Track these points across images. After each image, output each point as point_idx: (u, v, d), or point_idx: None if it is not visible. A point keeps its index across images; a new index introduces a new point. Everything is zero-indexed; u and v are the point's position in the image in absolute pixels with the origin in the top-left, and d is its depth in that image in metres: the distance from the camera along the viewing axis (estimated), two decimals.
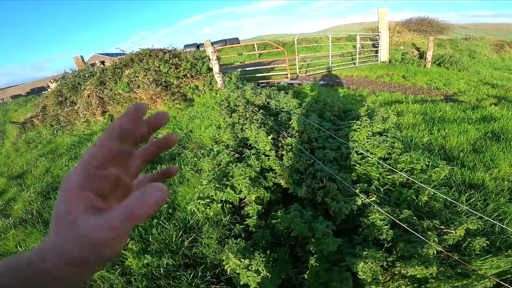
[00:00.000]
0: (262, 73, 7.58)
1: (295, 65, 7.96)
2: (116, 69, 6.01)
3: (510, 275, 1.49)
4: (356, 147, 2.32)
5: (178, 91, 5.66)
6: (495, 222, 1.80)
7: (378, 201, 1.86)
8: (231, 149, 2.73)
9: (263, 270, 1.54)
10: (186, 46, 17.70)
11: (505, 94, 4.87)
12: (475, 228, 1.65)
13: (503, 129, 3.00)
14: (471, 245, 1.60)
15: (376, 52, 10.17)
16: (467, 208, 1.87)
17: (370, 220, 1.70)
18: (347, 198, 1.86)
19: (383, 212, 1.65)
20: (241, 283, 1.56)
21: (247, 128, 3.02)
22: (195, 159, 2.92)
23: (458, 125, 3.08)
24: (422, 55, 10.06)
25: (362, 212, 1.83)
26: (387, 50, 9.91)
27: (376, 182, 2.02)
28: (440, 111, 3.59)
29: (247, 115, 3.55)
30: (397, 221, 1.62)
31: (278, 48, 8.11)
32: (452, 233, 1.64)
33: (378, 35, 10.01)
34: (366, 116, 3.02)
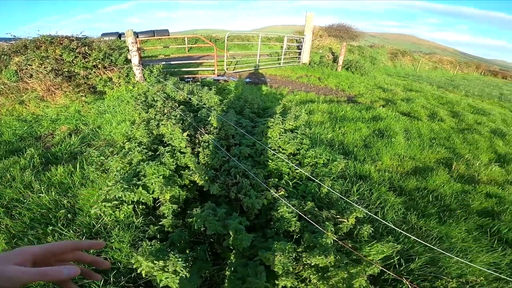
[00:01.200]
0: (189, 67, 7.44)
1: (224, 61, 8.05)
2: (3, 56, 5.02)
3: (392, 260, 1.76)
4: (269, 143, 2.52)
5: (85, 83, 5.05)
6: (377, 210, 2.24)
7: (287, 195, 2.07)
8: (144, 147, 2.61)
9: (181, 270, 1.54)
10: (104, 34, 15.81)
11: (392, 97, 5.94)
12: (362, 216, 2.00)
13: (387, 127, 3.70)
14: (361, 232, 1.89)
15: (300, 54, 10.91)
16: (356, 198, 2.27)
17: (280, 213, 1.88)
18: (259, 193, 2.02)
19: (289, 205, 1.85)
20: (161, 285, 1.53)
21: (163, 125, 2.93)
22: (102, 158, 2.68)
23: (354, 123, 3.66)
24: (335, 59, 11.33)
25: (273, 206, 2.00)
26: (308, 53, 10.79)
27: (286, 176, 2.25)
28: (342, 111, 4.18)
29: (165, 111, 3.42)
30: (301, 213, 1.84)
31: (208, 43, 8.12)
32: (345, 221, 1.95)
33: (303, 38, 10.70)
34: (281, 114, 3.28)
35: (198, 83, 5.60)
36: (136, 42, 5.14)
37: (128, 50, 5.35)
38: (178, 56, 8.51)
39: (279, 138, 2.64)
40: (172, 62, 7.23)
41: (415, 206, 2.56)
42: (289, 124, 2.93)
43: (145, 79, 5.29)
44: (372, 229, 1.92)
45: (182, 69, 7.11)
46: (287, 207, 1.89)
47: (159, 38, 12.01)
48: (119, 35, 15.61)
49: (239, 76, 7.63)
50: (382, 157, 3.03)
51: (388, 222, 2.24)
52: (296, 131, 2.85)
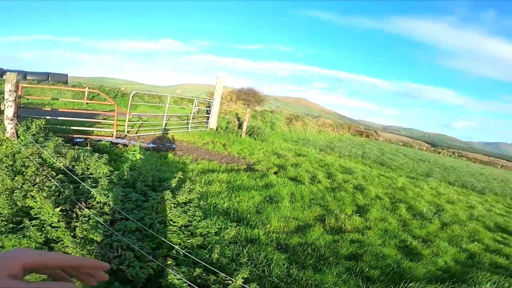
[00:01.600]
0: (83, 125, 6.39)
1: (125, 122, 7.06)
2: None
3: None
4: (160, 217, 2.77)
5: None
6: (265, 267, 2.67)
7: (175, 264, 2.30)
8: (3, 219, 2.44)
9: None
10: None
11: (284, 163, 7.07)
12: (247, 276, 2.38)
13: (276, 193, 4.46)
14: None
15: (208, 118, 11.13)
16: (246, 259, 2.67)
17: (169, 280, 2.10)
18: (145, 264, 2.18)
19: (176, 274, 2.10)
20: None
21: (32, 196, 2.73)
22: None
23: (248, 192, 4.27)
24: (240, 125, 12.38)
25: (162, 274, 2.18)
26: (216, 118, 11.17)
27: (177, 246, 2.49)
28: (239, 180, 4.79)
29: (38, 180, 3.13)
30: (189, 280, 2.10)
31: (109, 101, 7.17)
32: (232, 282, 2.28)
33: (211, 102, 10.99)
34: (177, 186, 3.58)
35: (88, 147, 4.93)
36: (16, 90, 4.41)
37: (3, 98, 4.49)
38: (73, 110, 7.43)
39: (170, 212, 2.87)
40: (60, 118, 6.28)
41: (297, 260, 3.10)
42: (182, 198, 3.18)
43: (18, 137, 4.45)
44: (258, 286, 2.31)
45: (73, 127, 6.16)
46: (174, 275, 2.11)
47: (54, 84, 10.60)
48: (2, 73, 13.22)
49: (143, 140, 7.41)
50: (270, 220, 3.62)
51: (273, 278, 2.69)
52: (189, 204, 3.17)
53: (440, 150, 46.46)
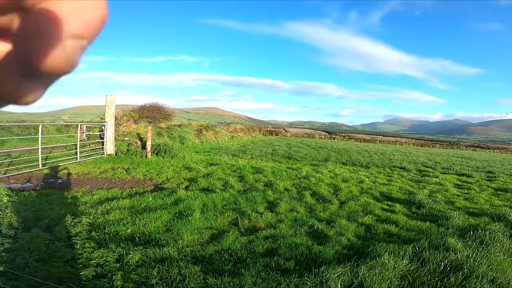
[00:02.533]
0: None
1: None
2: None
3: None
4: (35, 255, 2.44)
5: None
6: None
7: None
8: None
9: None
10: None
11: (196, 176, 7.04)
12: None
13: (186, 207, 4.41)
14: None
15: (103, 144, 10.24)
16: (157, 280, 2.57)
17: None
18: None
19: None
20: None
21: None
22: None
23: (155, 212, 4.11)
24: (144, 145, 11.75)
25: None
26: (113, 142, 10.37)
27: (66, 280, 2.23)
28: (144, 202, 4.55)
29: None
30: None
31: None
32: None
33: (104, 125, 10.14)
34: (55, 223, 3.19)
35: None
36: None
37: None
38: None
39: (48, 249, 2.59)
40: None
41: (214, 268, 3.15)
42: (63, 233, 2.91)
43: None
44: None
45: None
46: None
47: None
48: None
49: (15, 180, 6.32)
50: (182, 235, 3.56)
51: None
52: (75, 237, 2.88)
53: (334, 136, 54.30)
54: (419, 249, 3.44)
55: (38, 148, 7.30)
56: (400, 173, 10.58)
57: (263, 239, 3.98)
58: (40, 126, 7.77)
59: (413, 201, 6.10)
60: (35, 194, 5.00)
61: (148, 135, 10.71)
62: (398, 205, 5.86)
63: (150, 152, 10.58)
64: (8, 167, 7.28)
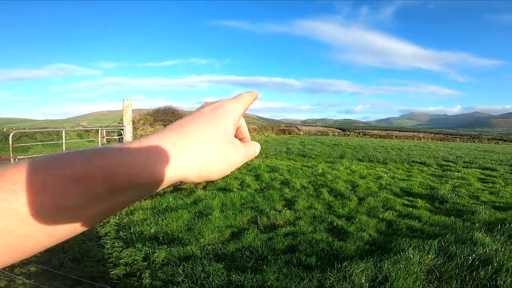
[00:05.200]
0: None
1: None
2: None
3: None
4: (69, 255, 2.56)
5: None
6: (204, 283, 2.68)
7: None
8: None
9: None
10: None
11: None
12: None
13: (206, 206, 4.50)
14: None
15: None
16: (183, 277, 2.64)
17: None
18: None
19: None
20: None
21: None
22: None
23: (176, 212, 4.21)
24: None
25: None
26: None
27: (101, 279, 2.33)
28: (165, 203, 4.67)
29: None
30: None
31: None
32: None
33: (122, 129, 10.35)
34: None
35: None
36: None
37: None
38: None
39: (81, 249, 2.71)
40: None
41: (236, 266, 3.20)
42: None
43: None
44: None
45: None
46: None
47: None
48: None
49: None
50: (204, 234, 3.64)
51: None
52: (104, 237, 3.00)
53: (348, 133, 53.43)
54: (445, 244, 3.37)
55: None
56: (420, 168, 10.33)
57: (283, 236, 4.00)
58: (63, 132, 8.10)
59: (435, 196, 5.96)
60: None
61: None
62: (419, 200, 5.74)
63: None
64: None
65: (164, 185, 0.27)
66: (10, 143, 6.33)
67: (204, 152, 0.28)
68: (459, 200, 5.69)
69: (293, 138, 31.67)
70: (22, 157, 8.14)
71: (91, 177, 0.22)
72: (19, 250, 0.22)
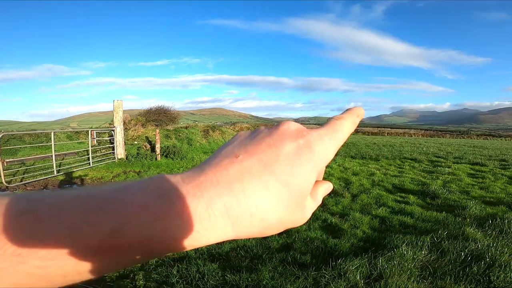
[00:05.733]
0: None
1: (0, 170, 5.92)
2: None
3: None
4: None
5: None
6: None
7: None
8: None
9: None
10: None
11: None
12: None
13: None
14: None
15: (113, 148, 10.39)
16: (177, 278, 2.60)
17: None
18: None
19: None
20: None
21: None
22: None
23: None
24: (153, 148, 11.89)
25: None
26: (123, 146, 10.52)
27: (94, 282, 2.29)
28: None
29: None
30: None
31: None
32: None
33: (113, 130, 10.27)
34: None
35: None
36: None
37: None
38: None
39: None
40: None
41: (231, 265, 3.18)
42: None
43: None
44: None
45: None
46: None
47: None
48: None
49: (32, 187, 6.47)
50: None
51: None
52: None
53: None
54: (437, 240, 3.41)
55: (51, 156, 7.42)
56: (411, 164, 10.45)
57: (277, 235, 3.98)
58: (52, 134, 7.91)
59: (427, 192, 6.03)
60: None
61: (156, 138, 10.80)
62: (411, 196, 5.80)
63: (159, 155, 10.67)
64: (23, 174, 7.45)
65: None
66: None
67: (265, 220, 0.21)
68: (450, 195, 5.76)
69: None
70: (10, 159, 7.95)
71: (117, 251, 0.19)
72: None
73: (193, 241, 0.20)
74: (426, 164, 10.44)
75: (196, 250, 3.25)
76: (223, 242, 3.28)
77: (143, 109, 23.00)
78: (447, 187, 6.47)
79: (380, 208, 5.08)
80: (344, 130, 0.27)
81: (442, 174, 8.26)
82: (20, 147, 11.78)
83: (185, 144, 16.41)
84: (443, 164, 10.32)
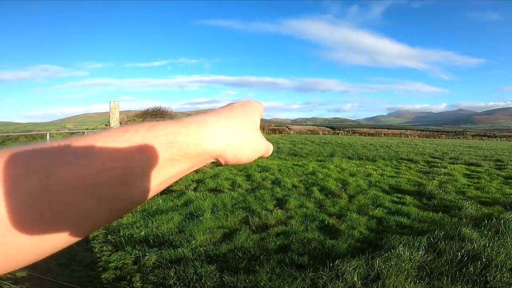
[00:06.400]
0: None
1: None
2: None
3: None
4: (54, 261, 2.49)
5: None
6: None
7: None
8: None
9: None
10: None
11: (203, 177, 7.05)
12: None
13: (196, 208, 4.43)
14: None
15: None
16: (175, 280, 2.58)
17: None
18: None
19: None
20: None
21: None
22: None
23: (166, 214, 4.13)
24: None
25: None
26: None
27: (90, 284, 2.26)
28: (155, 205, 4.57)
29: None
30: None
31: None
32: None
33: None
34: None
35: None
36: None
37: None
38: None
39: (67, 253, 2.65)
40: None
41: (229, 267, 3.16)
42: None
43: None
44: None
45: None
46: None
47: None
48: None
49: None
50: (195, 236, 3.58)
51: None
52: (92, 242, 2.93)
53: (338, 131, 54.00)
54: (434, 240, 3.42)
55: None
56: (408, 165, 10.50)
57: (275, 236, 3.98)
58: (47, 135, 7.86)
59: (423, 192, 6.06)
60: None
61: None
62: (408, 197, 5.82)
63: None
64: None
65: (207, 159, 0.30)
66: None
67: (239, 134, 0.31)
68: (446, 196, 5.79)
69: (283, 137, 31.72)
70: None
71: (153, 145, 0.24)
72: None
73: (201, 140, 0.28)
74: (422, 165, 10.50)
75: (193, 252, 3.24)
76: (220, 243, 3.25)
77: (140, 110, 22.95)
78: (443, 188, 6.50)
79: (377, 209, 5.08)
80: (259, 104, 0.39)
81: (438, 175, 8.30)
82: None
83: None
84: (439, 164, 10.38)
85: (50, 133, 8.27)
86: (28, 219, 0.19)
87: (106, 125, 13.90)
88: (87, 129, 13.78)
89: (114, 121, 10.40)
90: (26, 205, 0.19)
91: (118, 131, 0.24)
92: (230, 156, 0.31)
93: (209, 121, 0.30)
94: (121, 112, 11.27)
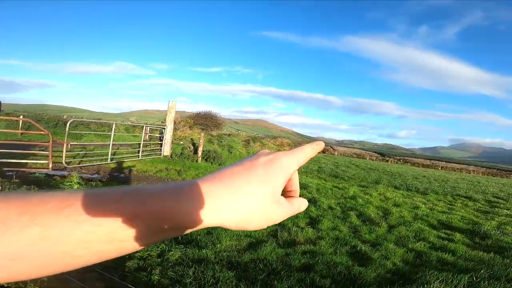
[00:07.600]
0: (15, 158, 5.93)
1: (63, 152, 6.65)
2: None
3: None
4: None
5: None
6: None
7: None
8: None
9: None
10: None
11: None
12: None
13: None
14: None
15: (161, 145, 11.00)
16: (191, 279, 2.63)
17: None
18: None
19: None
20: None
21: None
22: None
23: None
24: (196, 150, 12.42)
25: None
26: (170, 145, 11.10)
27: (114, 270, 2.40)
28: None
29: None
30: None
31: (42, 131, 6.53)
32: None
33: (164, 128, 10.90)
34: None
35: (15, 180, 4.59)
36: None
37: None
38: (5, 141, 6.87)
39: None
40: None
41: (247, 276, 3.12)
42: None
43: None
44: None
45: (2, 160, 5.70)
46: None
47: None
48: None
49: (86, 170, 7.15)
50: (221, 240, 3.62)
51: None
52: None
53: (387, 159, 50.38)
54: (476, 279, 3.00)
55: (109, 144, 8.19)
56: (465, 202, 9.36)
57: (300, 254, 3.84)
58: (114, 125, 8.80)
59: (477, 231, 5.38)
60: (101, 184, 5.60)
61: (200, 141, 11.25)
62: (458, 234, 5.19)
63: (200, 157, 11.08)
64: (82, 158, 8.34)
65: (200, 228, 0.29)
66: (67, 129, 6.87)
67: (248, 208, 0.29)
68: (504, 237, 5.10)
69: (326, 157, 30.76)
70: (75, 143, 8.91)
71: (143, 218, 0.26)
72: (67, 265, 0.26)
73: (196, 217, 0.27)
74: (482, 204, 9.27)
75: (216, 255, 3.27)
76: (244, 251, 3.24)
77: (193, 112, 24.27)
78: (502, 229, 5.69)
79: (419, 243, 4.67)
80: (304, 152, 0.36)
81: (498, 216, 7.27)
82: (85, 133, 13.21)
83: (225, 150, 16.84)
84: (501, 205, 9.07)
85: (115, 123, 9.24)
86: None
87: (162, 122, 15.01)
88: (146, 123, 15.08)
89: (170, 119, 10.98)
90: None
91: (113, 205, 0.26)
92: (231, 226, 0.29)
93: (211, 195, 0.28)
94: (176, 112, 12.15)
